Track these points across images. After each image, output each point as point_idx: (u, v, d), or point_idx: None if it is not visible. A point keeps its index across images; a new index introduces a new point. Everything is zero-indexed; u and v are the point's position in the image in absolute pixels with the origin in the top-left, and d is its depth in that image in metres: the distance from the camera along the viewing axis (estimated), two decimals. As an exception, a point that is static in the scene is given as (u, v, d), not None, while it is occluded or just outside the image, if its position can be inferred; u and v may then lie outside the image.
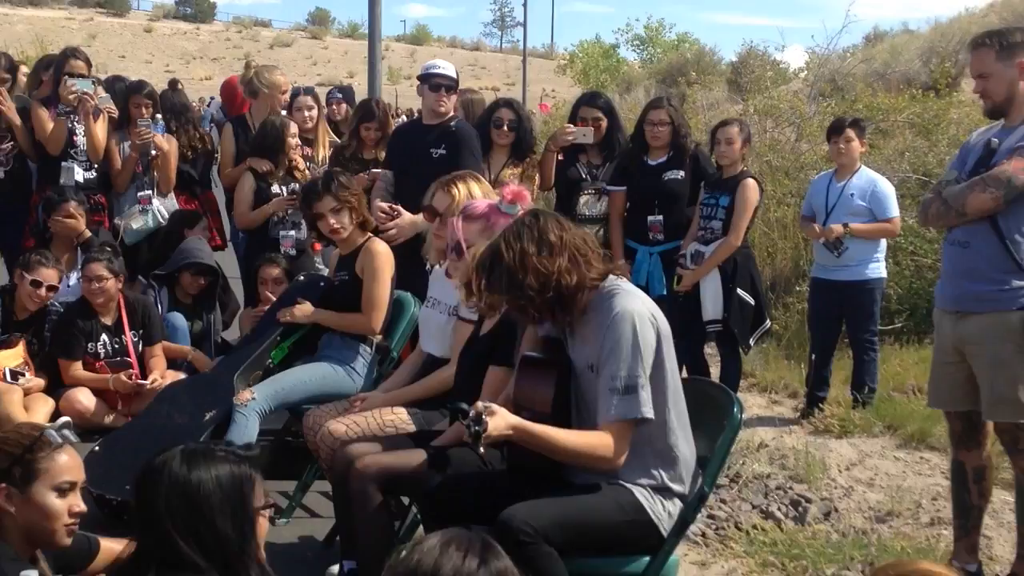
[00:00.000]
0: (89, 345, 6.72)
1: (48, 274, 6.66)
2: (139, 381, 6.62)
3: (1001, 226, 4.38)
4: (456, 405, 3.36)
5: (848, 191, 7.15)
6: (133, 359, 6.79)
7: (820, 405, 7.24)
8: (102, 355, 6.75)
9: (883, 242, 7.34)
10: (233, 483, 2.63)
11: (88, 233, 7.23)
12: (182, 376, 6.62)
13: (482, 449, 3.33)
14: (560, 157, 7.25)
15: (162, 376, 6.67)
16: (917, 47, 19.20)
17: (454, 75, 6.74)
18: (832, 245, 7.15)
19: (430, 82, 6.70)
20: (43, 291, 6.66)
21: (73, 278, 7.20)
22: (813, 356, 7.49)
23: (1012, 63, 4.40)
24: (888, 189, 7.21)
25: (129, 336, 6.81)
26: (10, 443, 3.12)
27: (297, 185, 7.19)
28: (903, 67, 17.81)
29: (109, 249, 7.00)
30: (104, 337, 6.76)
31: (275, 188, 7.29)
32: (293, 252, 7.26)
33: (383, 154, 7.41)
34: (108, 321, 6.79)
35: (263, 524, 2.71)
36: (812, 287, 7.63)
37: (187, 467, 2.61)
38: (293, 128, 7.41)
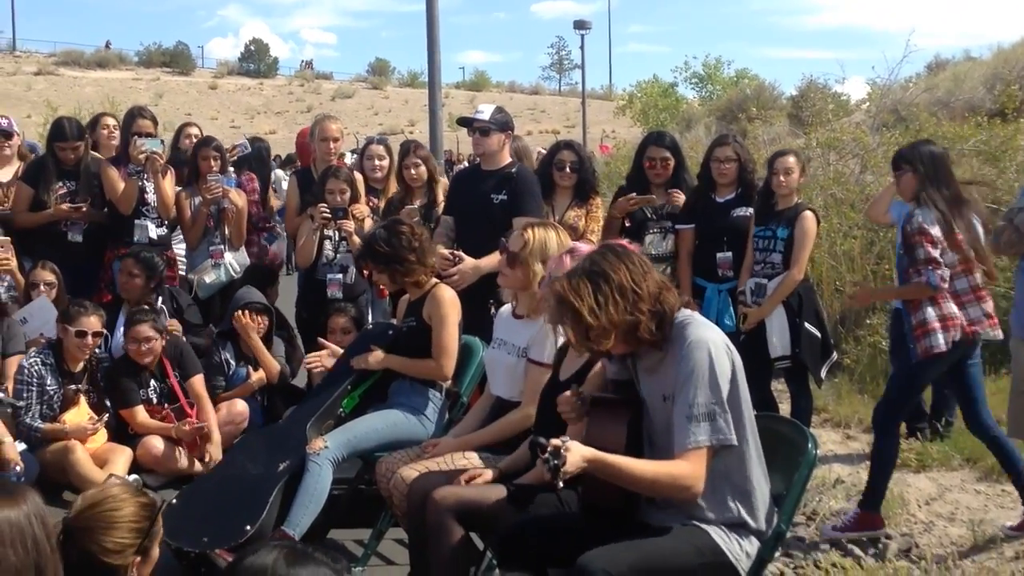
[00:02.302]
0: (141, 392, 6.88)
1: (91, 322, 6.73)
2: (196, 424, 6.74)
3: (1075, 252, 4.32)
4: (535, 440, 3.35)
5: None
6: (182, 399, 6.93)
7: (918, 435, 7.11)
8: (154, 400, 6.91)
9: None
10: None
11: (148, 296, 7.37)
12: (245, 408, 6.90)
13: (560, 484, 3.30)
14: (631, 203, 7.21)
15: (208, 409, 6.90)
16: (980, 74, 18.97)
17: (488, 117, 6.76)
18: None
19: (469, 126, 6.79)
20: (89, 339, 6.73)
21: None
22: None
23: (1079, 86, 4.35)
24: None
25: (173, 379, 6.95)
26: (136, 518, 3.17)
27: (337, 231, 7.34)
28: (967, 95, 17.60)
29: (150, 309, 7.11)
30: (152, 382, 6.94)
31: (328, 232, 7.36)
32: (339, 295, 7.28)
33: (440, 194, 7.48)
34: (151, 367, 6.96)
35: None
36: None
37: (283, 563, 2.56)
38: (343, 175, 7.44)
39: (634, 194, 7.16)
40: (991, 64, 19.81)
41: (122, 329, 7.31)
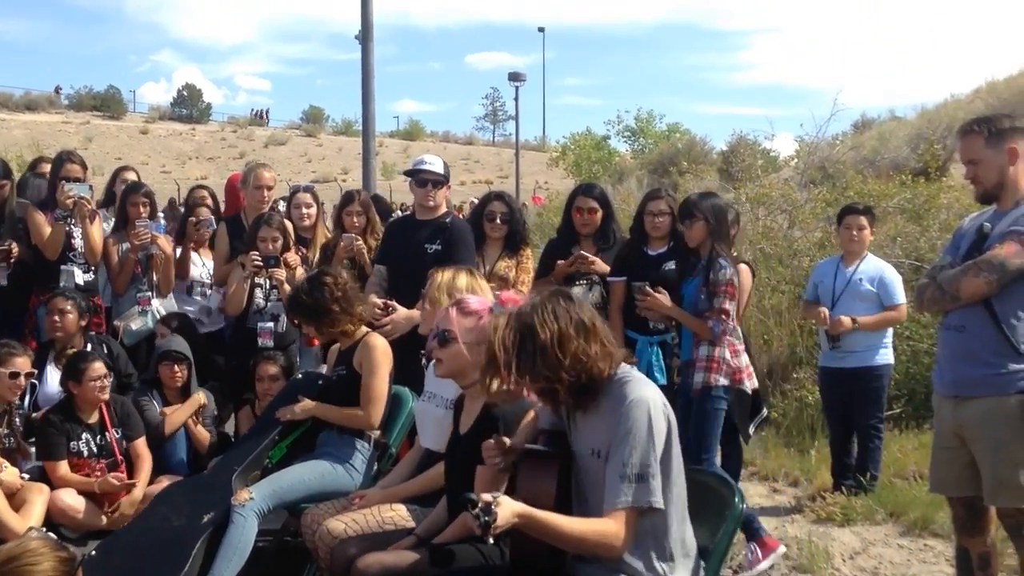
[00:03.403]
0: (72, 444, 6.65)
1: (22, 363, 6.54)
2: (127, 481, 6.53)
3: (996, 310, 4.40)
4: (466, 496, 3.33)
5: (856, 276, 7.25)
6: (118, 456, 6.71)
7: (843, 489, 7.20)
8: (85, 454, 6.64)
9: (890, 329, 7.43)
10: None
11: (78, 338, 7.22)
12: (178, 479, 6.55)
13: (491, 540, 3.28)
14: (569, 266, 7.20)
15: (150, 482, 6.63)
16: (905, 133, 19.45)
17: (441, 170, 6.81)
18: (831, 336, 7.20)
19: (417, 178, 6.79)
20: (22, 380, 6.54)
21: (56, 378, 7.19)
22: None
23: (1001, 149, 4.46)
24: (895, 276, 7.31)
25: (112, 434, 6.76)
26: (55, 573, 3.11)
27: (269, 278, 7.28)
28: (892, 153, 18.03)
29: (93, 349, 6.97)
30: (86, 436, 6.67)
31: (259, 280, 7.30)
32: (270, 343, 7.20)
33: (372, 241, 7.48)
34: (90, 420, 6.72)
35: None
36: (821, 375, 7.65)
37: None
38: (276, 223, 7.40)
39: (572, 256, 7.14)
40: (915, 124, 20.33)
41: (49, 376, 7.18)
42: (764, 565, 5.92)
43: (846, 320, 7.13)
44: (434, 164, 6.84)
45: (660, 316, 6.67)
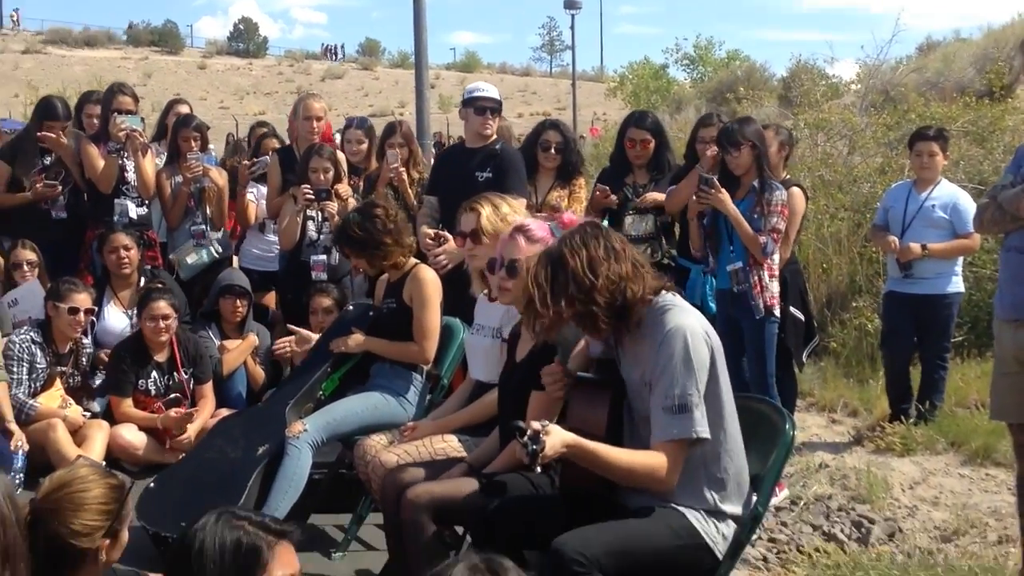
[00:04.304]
0: (140, 383, 6.73)
1: (82, 299, 6.62)
2: (187, 412, 6.61)
3: (1059, 231, 4.27)
4: (515, 424, 3.31)
5: (929, 202, 7.06)
6: (186, 397, 6.79)
7: (903, 419, 7.10)
8: (152, 392, 6.74)
9: (961, 257, 7.27)
10: (235, 552, 2.52)
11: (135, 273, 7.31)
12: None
13: (539, 469, 3.28)
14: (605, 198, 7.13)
15: (211, 416, 6.70)
16: (970, 54, 18.93)
17: (498, 97, 6.77)
18: (902, 264, 7.05)
19: (475, 105, 6.72)
20: (81, 316, 6.62)
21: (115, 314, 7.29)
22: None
23: (1065, 63, 4.30)
24: (970, 203, 7.00)
25: (182, 374, 6.81)
26: (104, 500, 3.12)
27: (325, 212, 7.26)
28: (956, 75, 17.57)
29: (161, 284, 7.02)
30: (155, 375, 6.75)
31: (311, 212, 7.29)
32: (324, 276, 7.19)
33: (415, 173, 7.43)
34: (160, 359, 6.79)
35: None
36: (887, 300, 7.48)
37: (199, 529, 2.54)
38: (327, 153, 7.34)
39: (607, 188, 7.07)
40: (981, 45, 19.78)
41: (108, 312, 7.26)
42: (774, 501, 5.84)
43: (916, 247, 6.96)
44: (490, 91, 6.81)
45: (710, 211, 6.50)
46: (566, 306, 3.50)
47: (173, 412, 6.58)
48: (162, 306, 6.66)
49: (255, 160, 8.21)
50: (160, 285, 7.07)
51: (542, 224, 4.48)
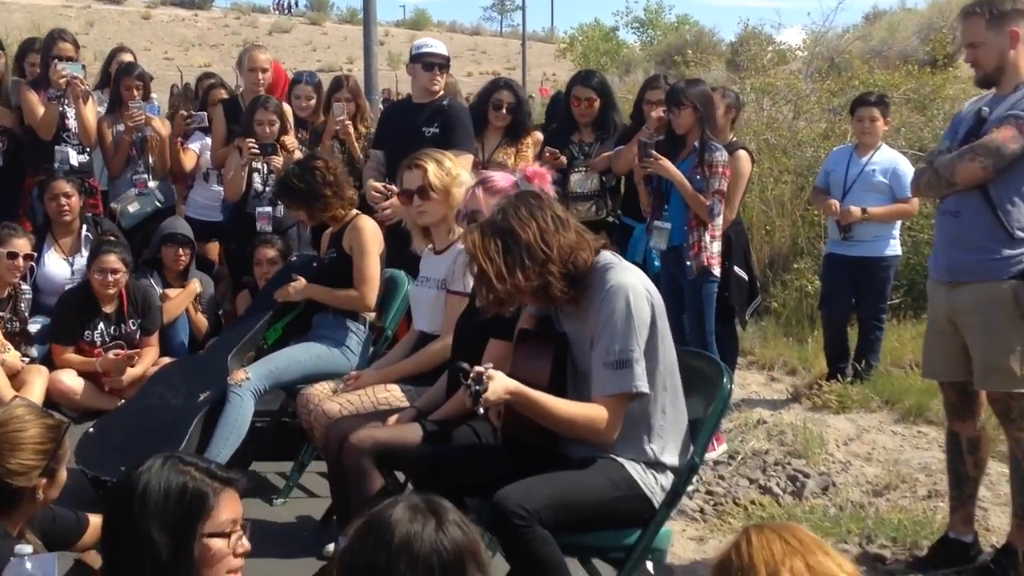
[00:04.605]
0: (86, 333, 6.69)
1: (21, 244, 6.57)
2: (126, 354, 6.57)
3: (992, 195, 4.35)
4: (458, 365, 3.34)
5: (870, 167, 7.15)
6: (132, 348, 6.74)
7: (839, 377, 7.23)
8: (98, 343, 6.70)
9: (899, 221, 7.38)
10: (180, 496, 2.52)
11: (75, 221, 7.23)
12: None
13: (481, 411, 3.32)
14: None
15: (153, 364, 6.67)
16: (915, 24, 19.13)
17: (445, 53, 6.76)
18: (842, 227, 7.15)
19: (423, 61, 6.70)
20: (20, 261, 6.57)
21: (78, 262, 7.21)
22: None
23: (1003, 31, 4.37)
24: (909, 168, 7.03)
25: (130, 325, 6.78)
26: (41, 440, 3.11)
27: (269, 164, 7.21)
28: (901, 44, 17.76)
29: (113, 237, 6.97)
30: (102, 326, 6.71)
31: (256, 165, 7.24)
32: (269, 228, 7.14)
33: (362, 128, 7.41)
34: (108, 310, 6.75)
35: (216, 550, 2.55)
36: (826, 262, 7.58)
37: (143, 472, 2.53)
38: (272, 106, 7.28)
39: (556, 151, 7.05)
40: (926, 15, 19.97)
41: (47, 258, 7.19)
42: (713, 455, 6.00)
43: (855, 210, 7.05)
44: (438, 47, 6.80)
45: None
46: (523, 280, 3.51)
47: (112, 355, 6.54)
48: (112, 260, 6.62)
49: (192, 113, 8.10)
50: (112, 238, 7.02)
51: (506, 175, 4.51)
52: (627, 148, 6.86)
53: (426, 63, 6.69)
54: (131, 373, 6.59)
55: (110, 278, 6.61)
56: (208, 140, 7.87)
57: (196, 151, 7.96)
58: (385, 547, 2.11)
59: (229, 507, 2.59)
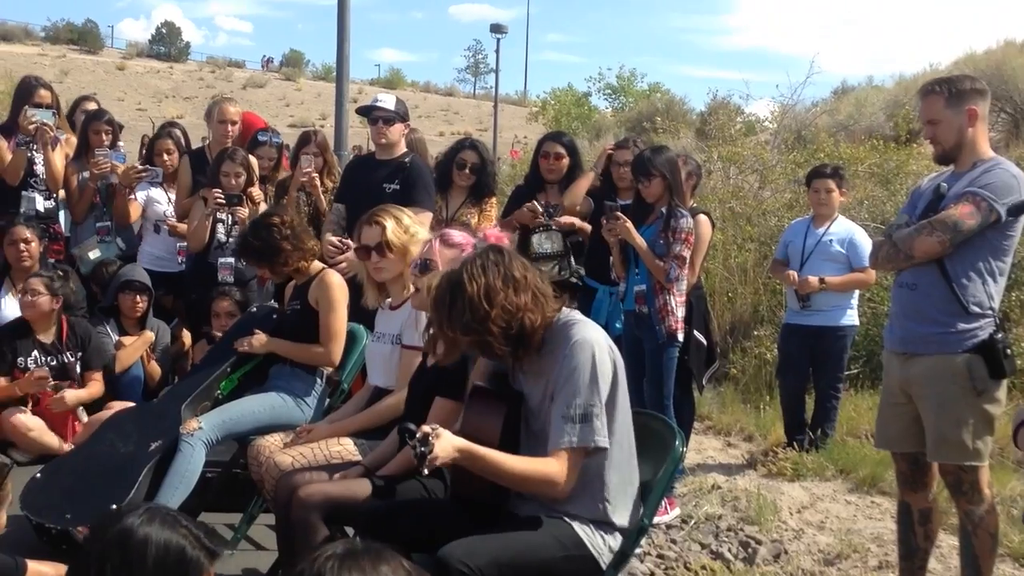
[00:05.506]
0: (19, 360, 6.68)
1: None
2: (46, 373, 6.54)
3: (948, 269, 4.42)
4: (404, 426, 3.32)
5: (827, 237, 7.23)
6: (74, 379, 6.75)
7: (795, 445, 7.23)
8: (32, 369, 6.67)
9: (857, 291, 7.45)
10: (180, 558, 2.49)
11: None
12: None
13: (426, 471, 3.28)
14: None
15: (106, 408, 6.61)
16: (881, 100, 19.46)
17: (393, 107, 6.80)
18: (800, 296, 7.21)
19: (369, 115, 6.79)
20: None
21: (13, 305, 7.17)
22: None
23: (961, 109, 4.46)
24: (866, 239, 7.21)
25: (67, 356, 6.78)
26: None
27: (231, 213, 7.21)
28: (867, 120, 18.06)
29: (61, 273, 6.93)
30: (35, 353, 6.72)
31: (220, 215, 7.23)
32: (230, 279, 7.14)
33: (329, 182, 7.45)
34: (45, 339, 6.77)
35: None
36: (784, 331, 7.64)
37: (143, 522, 2.49)
38: (239, 158, 7.27)
39: (537, 207, 7.13)
40: (893, 92, 20.35)
41: (5, 303, 7.14)
42: (666, 519, 6.03)
43: (813, 280, 7.12)
44: (386, 102, 6.87)
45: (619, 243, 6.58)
46: (461, 333, 3.53)
47: (34, 376, 6.49)
48: (33, 282, 6.67)
49: (146, 167, 8.03)
50: (58, 270, 7.00)
51: (465, 234, 4.54)
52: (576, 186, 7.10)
53: (372, 117, 6.80)
54: (69, 397, 6.55)
55: (27, 298, 6.64)
56: (152, 191, 7.85)
57: (141, 202, 7.91)
58: None
59: None
